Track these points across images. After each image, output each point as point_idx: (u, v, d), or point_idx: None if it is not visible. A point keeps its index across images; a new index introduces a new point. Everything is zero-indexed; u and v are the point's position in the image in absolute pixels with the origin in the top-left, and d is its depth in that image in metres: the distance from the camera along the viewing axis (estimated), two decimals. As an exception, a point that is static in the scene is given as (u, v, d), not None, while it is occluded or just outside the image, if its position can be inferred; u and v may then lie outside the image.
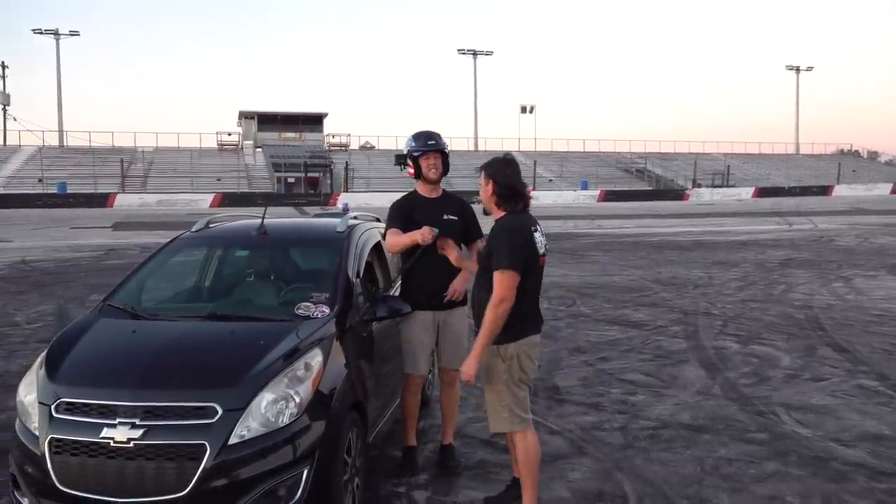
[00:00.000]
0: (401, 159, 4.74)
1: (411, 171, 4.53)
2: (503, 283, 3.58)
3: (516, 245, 3.64)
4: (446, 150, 4.56)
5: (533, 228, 3.75)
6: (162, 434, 3.25)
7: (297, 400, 3.45)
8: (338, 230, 4.72)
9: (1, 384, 6.38)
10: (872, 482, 4.25)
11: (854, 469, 4.43)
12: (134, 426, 3.26)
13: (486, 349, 3.65)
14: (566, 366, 6.83)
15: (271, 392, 3.42)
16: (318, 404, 3.53)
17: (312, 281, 4.61)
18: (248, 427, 3.33)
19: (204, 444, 3.23)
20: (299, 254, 5.24)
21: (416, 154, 4.47)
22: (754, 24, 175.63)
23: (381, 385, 4.43)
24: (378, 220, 5.56)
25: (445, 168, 4.55)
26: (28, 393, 3.64)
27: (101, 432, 3.27)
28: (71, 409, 3.40)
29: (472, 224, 4.59)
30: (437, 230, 4.21)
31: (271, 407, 3.40)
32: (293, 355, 3.62)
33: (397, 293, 4.67)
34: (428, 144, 4.45)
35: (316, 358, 3.66)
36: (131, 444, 3.23)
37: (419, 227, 4.26)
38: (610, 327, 8.48)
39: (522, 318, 3.70)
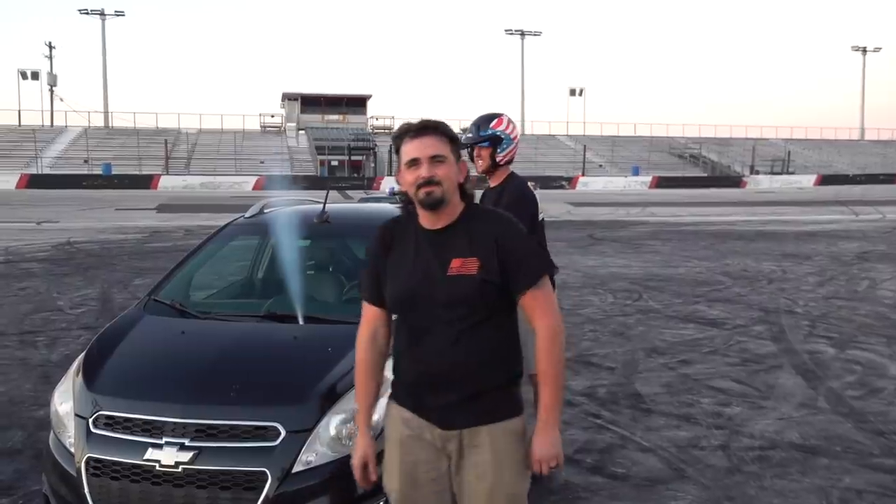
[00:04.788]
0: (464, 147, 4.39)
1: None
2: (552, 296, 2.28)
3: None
4: (481, 143, 3.96)
5: None
6: (216, 458, 2.76)
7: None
8: (408, 217, 4.17)
9: (41, 374, 6.01)
10: None
11: None
12: (183, 447, 2.78)
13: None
14: (644, 369, 6.22)
15: (342, 411, 2.91)
16: (396, 424, 3.00)
17: (381, 276, 4.06)
18: (316, 452, 2.82)
19: (264, 472, 2.74)
20: (365, 244, 4.70)
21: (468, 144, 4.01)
22: (817, 1, 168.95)
23: None
24: None
25: (493, 158, 4.00)
26: (63, 402, 3.17)
27: (145, 453, 2.80)
28: (111, 424, 2.93)
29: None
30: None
31: (342, 428, 2.88)
32: (366, 366, 3.09)
33: None
34: (466, 137, 3.96)
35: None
36: (180, 469, 2.75)
37: None
38: (685, 325, 7.83)
39: None
